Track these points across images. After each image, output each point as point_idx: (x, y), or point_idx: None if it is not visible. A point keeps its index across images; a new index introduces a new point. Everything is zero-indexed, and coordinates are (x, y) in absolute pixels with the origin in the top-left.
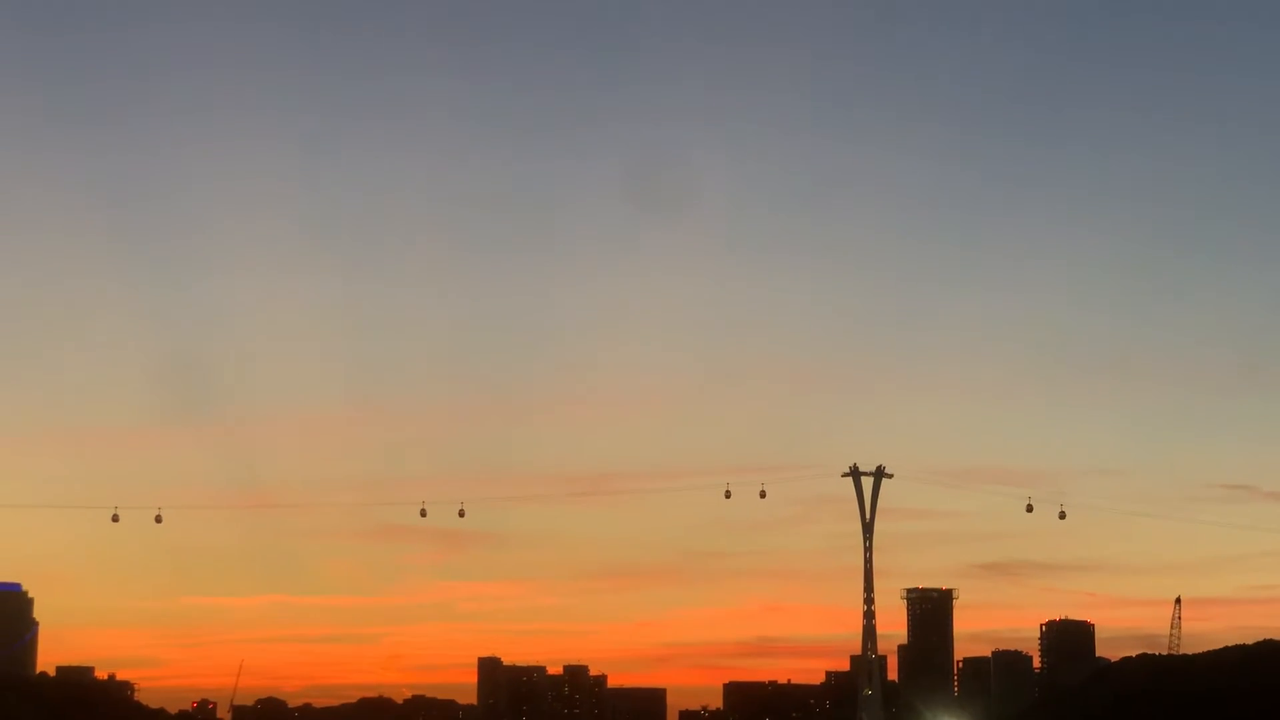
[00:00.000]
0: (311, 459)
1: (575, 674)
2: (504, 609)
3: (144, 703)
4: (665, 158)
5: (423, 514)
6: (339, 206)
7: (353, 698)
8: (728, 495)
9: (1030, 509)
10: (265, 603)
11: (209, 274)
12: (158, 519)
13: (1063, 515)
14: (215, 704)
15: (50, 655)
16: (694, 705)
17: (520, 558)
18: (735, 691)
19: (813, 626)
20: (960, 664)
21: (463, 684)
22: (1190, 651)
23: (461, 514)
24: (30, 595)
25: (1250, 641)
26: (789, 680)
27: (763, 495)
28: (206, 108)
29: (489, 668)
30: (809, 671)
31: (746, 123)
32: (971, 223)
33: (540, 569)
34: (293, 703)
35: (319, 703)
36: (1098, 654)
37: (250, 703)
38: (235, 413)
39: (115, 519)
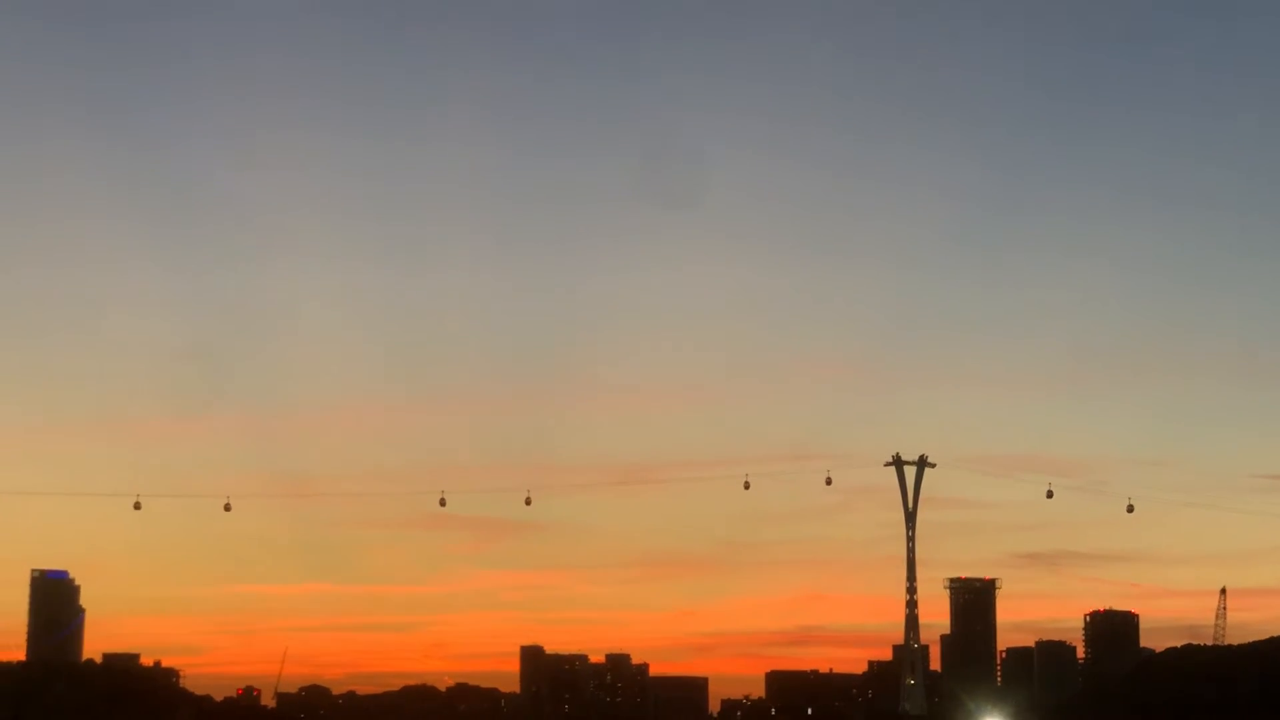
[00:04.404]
0: (356, 447)
1: (617, 663)
2: (546, 598)
3: (189, 689)
4: (705, 150)
5: (442, 503)
6: (383, 193)
7: (396, 686)
8: (746, 486)
9: (1050, 495)
10: (309, 591)
11: (254, 259)
12: (226, 507)
13: (1130, 509)
14: (260, 691)
15: (96, 642)
16: (736, 694)
17: (562, 547)
18: (777, 680)
19: (855, 616)
20: (1003, 654)
21: (505, 672)
22: (1235, 642)
23: (528, 502)
24: (77, 583)
25: None
26: (831, 669)
27: (829, 482)
28: (239, 91)
29: (531, 656)
30: (851, 661)
31: (787, 115)
32: (1015, 212)
33: (583, 558)
34: (336, 690)
35: (362, 690)
36: (1142, 645)
37: (294, 690)
38: (281, 399)
39: (137, 506)
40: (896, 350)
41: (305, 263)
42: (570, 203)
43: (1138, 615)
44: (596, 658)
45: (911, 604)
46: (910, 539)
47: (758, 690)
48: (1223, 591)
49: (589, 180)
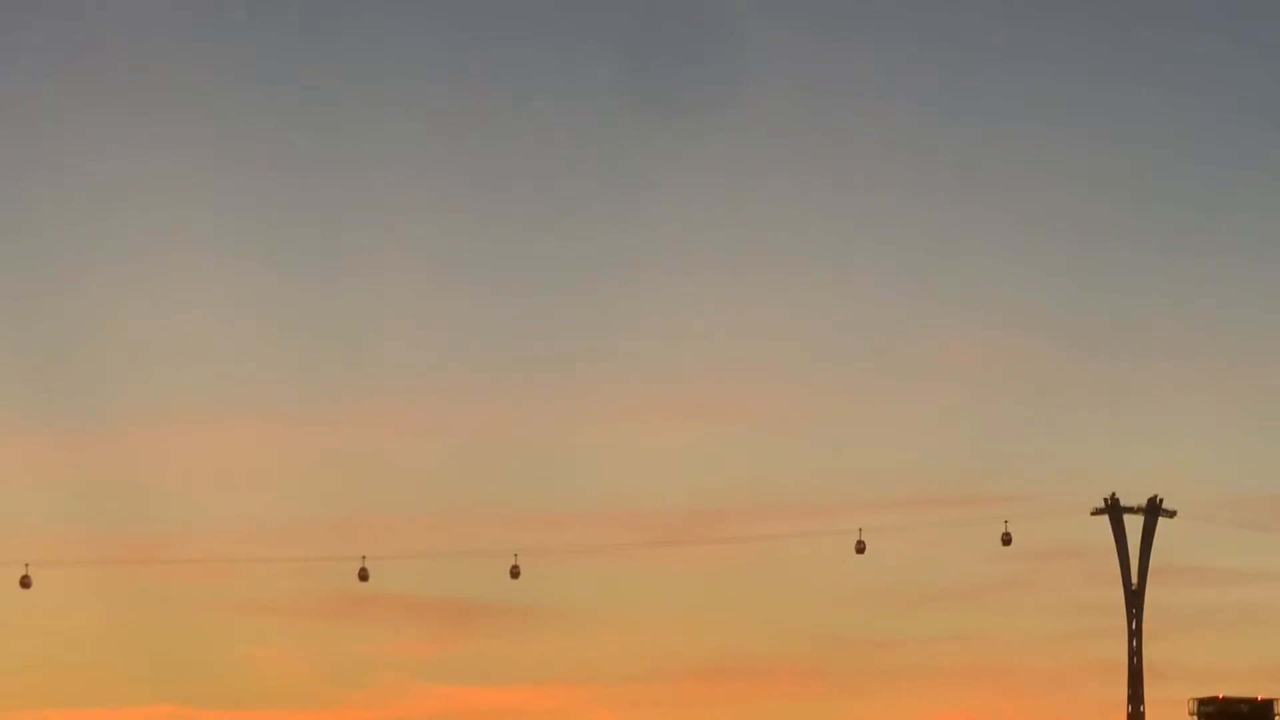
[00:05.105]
0: (230, 488)
1: None
2: None
3: None
4: (780, 66)
5: (363, 576)
6: (287, 145)
7: None
8: (860, 549)
9: None
10: (153, 717)
11: (90, 242)
12: (24, 582)
13: None
14: None
15: None
16: None
17: (564, 645)
18: None
19: None
20: None
21: None
22: None
23: (514, 573)
24: None
25: None
26: None
27: (1006, 541)
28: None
29: None
30: None
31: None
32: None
33: (600, 664)
34: None
35: None
36: None
37: None
38: (116, 414)
39: None
40: (1103, 337)
41: (153, 228)
42: (574, 133)
43: None
44: None
45: None
46: (1134, 633)
47: None
48: None
49: (602, 98)
